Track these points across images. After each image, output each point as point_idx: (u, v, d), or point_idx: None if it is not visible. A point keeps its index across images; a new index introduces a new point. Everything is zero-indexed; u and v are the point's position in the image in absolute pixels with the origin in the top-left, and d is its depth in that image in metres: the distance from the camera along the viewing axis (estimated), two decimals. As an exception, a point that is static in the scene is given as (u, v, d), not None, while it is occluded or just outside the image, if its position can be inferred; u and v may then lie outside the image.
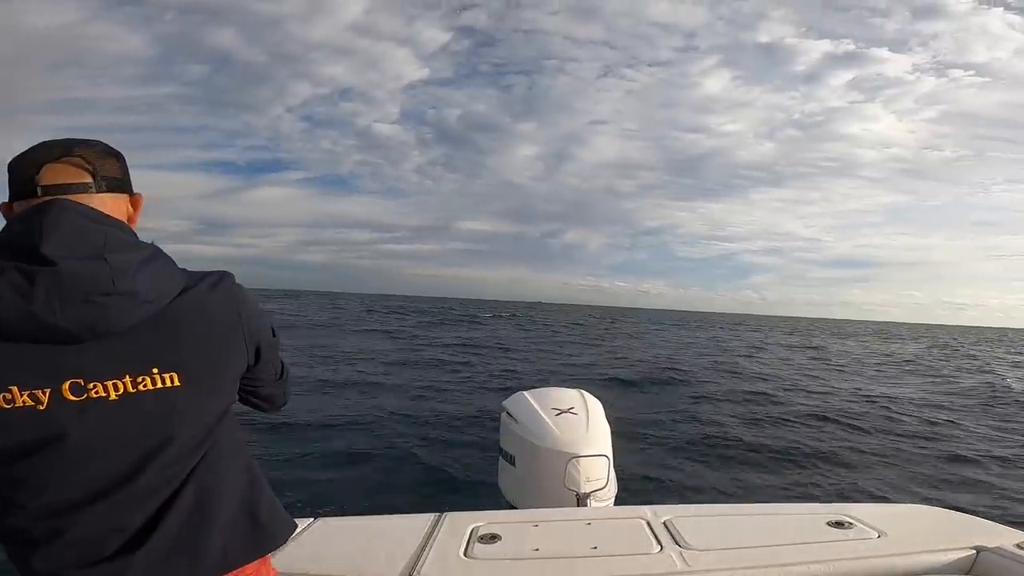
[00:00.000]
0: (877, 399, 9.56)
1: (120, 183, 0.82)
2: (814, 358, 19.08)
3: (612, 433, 2.33)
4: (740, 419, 7.25)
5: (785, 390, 10.55)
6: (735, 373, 12.85)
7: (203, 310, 0.80)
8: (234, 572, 0.81)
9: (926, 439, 6.75)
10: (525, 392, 2.51)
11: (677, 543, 1.36)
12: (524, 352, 15.99)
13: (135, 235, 0.80)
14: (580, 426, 2.26)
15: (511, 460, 2.34)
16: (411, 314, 37.95)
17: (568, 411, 2.33)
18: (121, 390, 0.71)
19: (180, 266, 0.82)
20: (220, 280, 0.83)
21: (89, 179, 0.78)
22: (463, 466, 4.94)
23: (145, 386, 0.73)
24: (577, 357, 15.40)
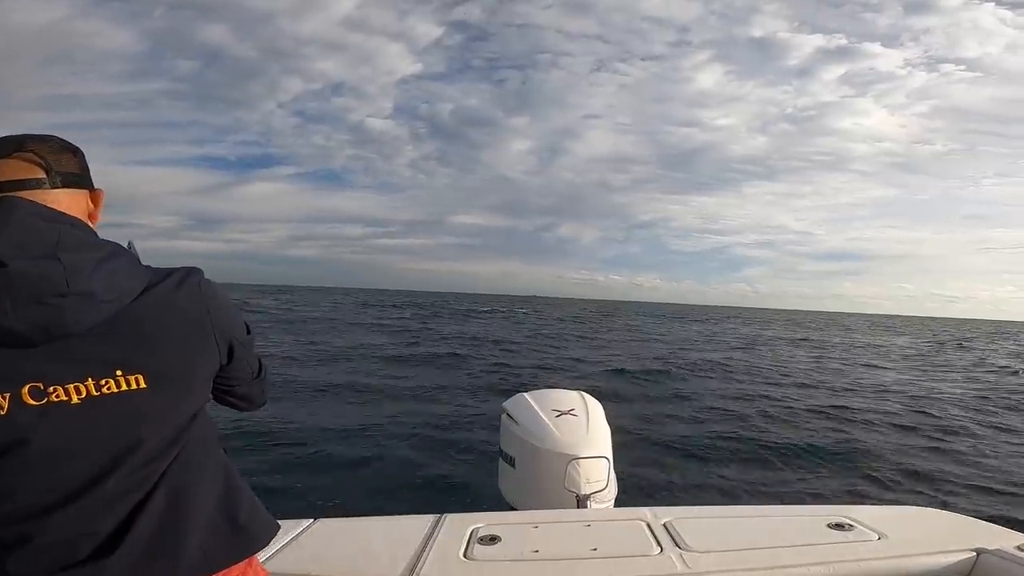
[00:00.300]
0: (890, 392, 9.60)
1: (77, 179, 0.80)
2: (823, 355, 18.91)
3: (612, 435, 2.33)
4: (744, 417, 7.23)
5: (793, 385, 10.50)
6: (737, 369, 12.78)
7: (168, 308, 0.77)
8: (218, 575, 0.80)
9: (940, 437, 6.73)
10: (525, 394, 2.52)
11: (677, 545, 1.36)
12: (523, 349, 15.92)
13: (94, 233, 0.78)
14: (580, 428, 2.26)
15: (511, 461, 2.35)
16: (406, 308, 37.98)
17: (568, 413, 2.33)
18: (84, 393, 0.69)
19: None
20: (186, 276, 0.80)
21: (42, 174, 0.75)
22: (463, 467, 4.94)
23: (109, 389, 0.71)
24: (576, 352, 15.34)
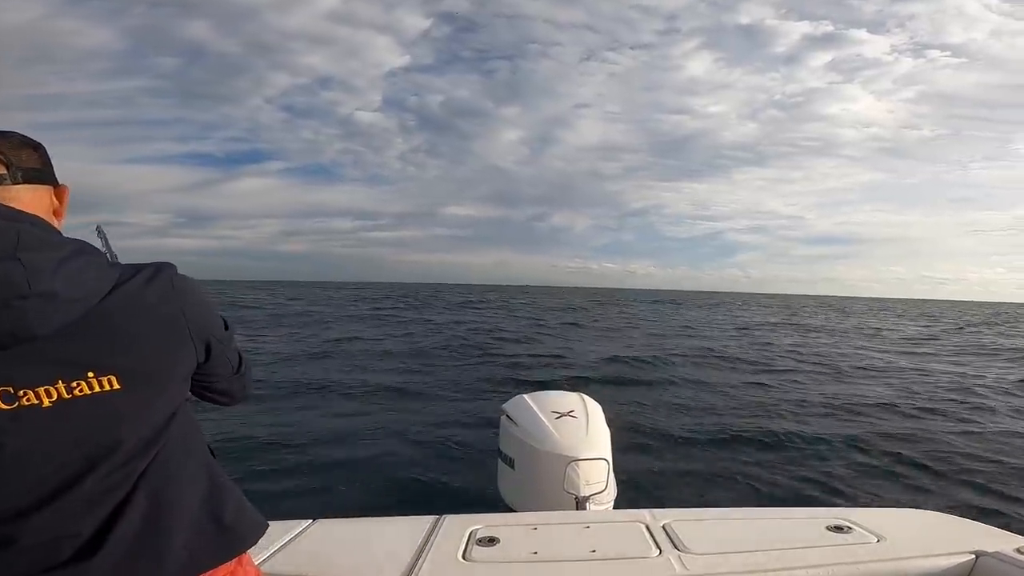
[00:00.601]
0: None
1: (40, 174, 0.78)
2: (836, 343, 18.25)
3: (612, 436, 2.33)
4: (748, 413, 7.20)
5: (819, 378, 10.20)
6: (745, 360, 12.53)
7: (140, 307, 0.75)
8: (205, 574, 0.80)
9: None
10: (525, 395, 2.52)
11: (676, 547, 1.36)
12: (518, 340, 15.80)
13: (56, 231, 0.76)
14: (580, 429, 2.26)
15: (510, 463, 2.35)
16: (399, 301, 37.85)
17: (568, 414, 2.33)
18: (55, 396, 0.68)
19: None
20: (158, 272, 0.78)
21: (3, 170, 0.74)
22: (462, 468, 4.93)
23: (81, 391, 0.69)
24: (571, 344, 15.11)
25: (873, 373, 11.07)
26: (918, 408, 7.77)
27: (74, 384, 0.69)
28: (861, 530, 1.43)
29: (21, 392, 0.67)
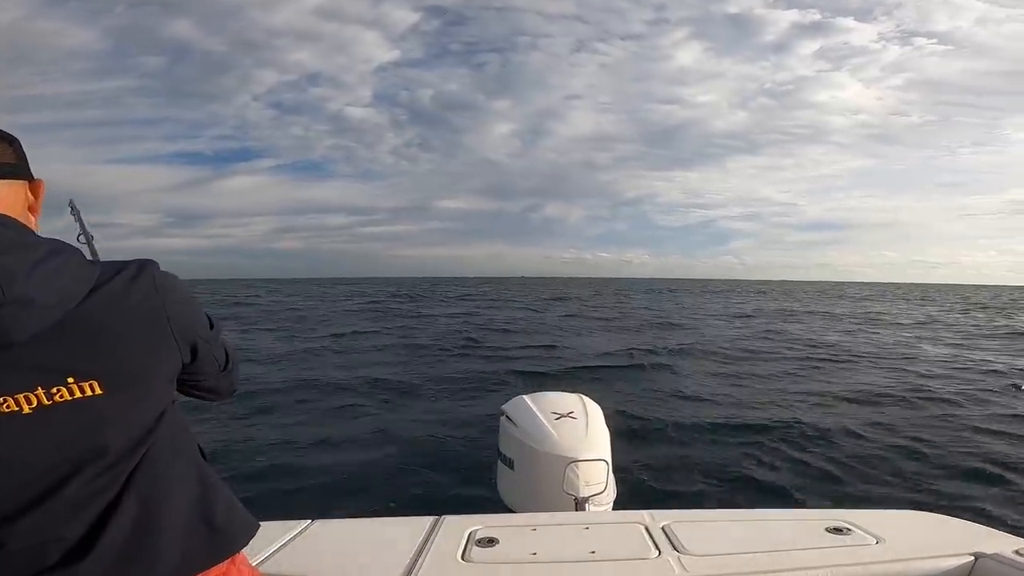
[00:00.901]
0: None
1: (14, 169, 0.75)
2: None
3: (611, 437, 2.33)
4: (753, 410, 7.18)
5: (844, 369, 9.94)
6: (760, 350, 12.36)
7: (121, 308, 0.72)
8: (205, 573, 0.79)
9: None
10: (524, 396, 2.52)
11: (675, 548, 1.36)
12: (515, 334, 15.69)
13: (29, 231, 0.74)
14: (579, 430, 2.26)
15: (510, 464, 2.35)
16: (395, 295, 37.69)
17: (567, 415, 2.33)
18: (35, 403, 0.66)
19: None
20: (140, 272, 0.75)
21: None
22: (461, 469, 4.93)
23: (62, 396, 0.67)
24: (568, 338, 15.01)
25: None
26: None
27: (54, 390, 0.67)
28: (860, 531, 1.43)
29: (0, 399, 0.65)
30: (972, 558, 1.30)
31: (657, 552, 1.34)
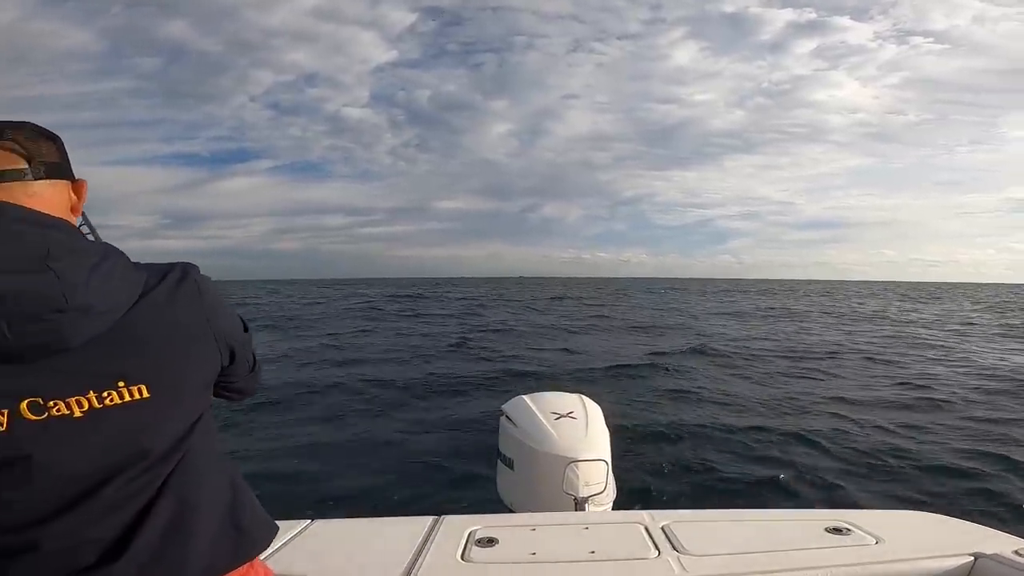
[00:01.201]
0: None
1: (59, 168, 0.75)
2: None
3: (611, 437, 2.33)
4: (760, 406, 7.16)
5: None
6: (777, 351, 12.15)
7: (167, 315, 0.74)
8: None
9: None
10: (524, 396, 2.52)
11: (675, 548, 1.36)
12: (515, 335, 15.62)
13: (80, 235, 0.75)
14: (579, 430, 2.26)
15: (509, 464, 2.35)
16: (395, 297, 37.64)
17: (567, 415, 2.33)
18: (86, 407, 0.67)
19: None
20: (183, 278, 0.77)
21: (24, 165, 0.70)
22: (461, 469, 4.93)
23: (112, 400, 0.69)
24: (568, 341, 14.90)
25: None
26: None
27: (105, 394, 0.68)
28: (860, 532, 1.43)
29: (51, 403, 0.66)
30: (972, 558, 1.30)
31: (657, 552, 1.34)
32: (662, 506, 1.63)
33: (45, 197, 0.72)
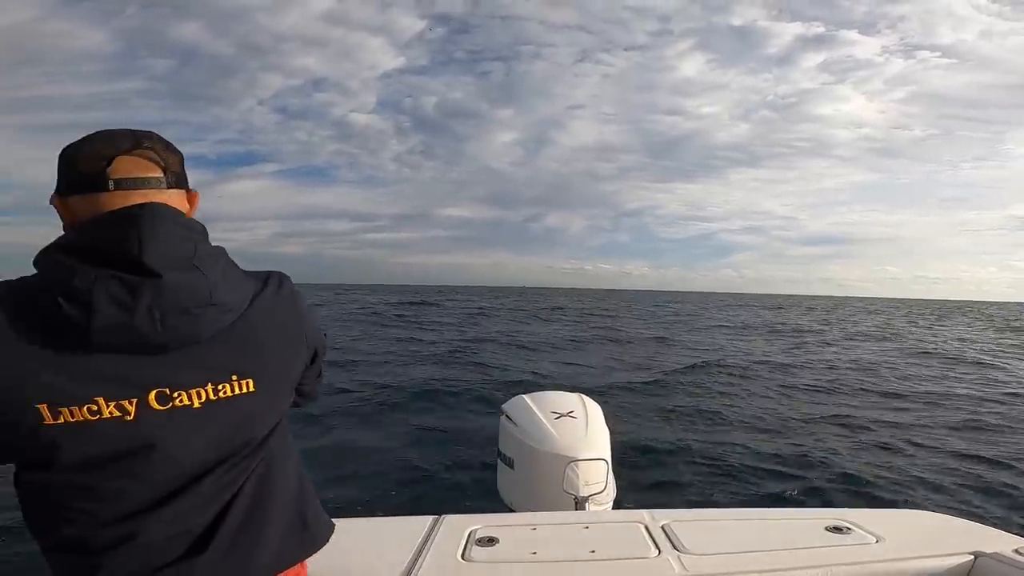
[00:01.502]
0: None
1: (182, 179, 0.80)
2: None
3: (611, 437, 2.33)
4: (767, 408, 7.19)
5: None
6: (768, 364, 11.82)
7: (272, 316, 0.81)
8: (282, 573, 0.82)
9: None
10: (524, 396, 2.52)
11: (675, 547, 1.36)
12: (519, 343, 15.64)
13: (208, 239, 0.79)
14: (579, 430, 2.26)
15: (509, 463, 2.35)
16: (398, 303, 37.68)
17: (567, 415, 2.33)
18: (204, 398, 0.72)
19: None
20: (282, 284, 0.84)
21: (160, 174, 0.75)
22: (461, 469, 4.93)
23: (224, 393, 0.74)
24: (570, 353, 14.92)
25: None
26: None
27: (220, 387, 0.73)
28: (860, 530, 1.43)
29: (176, 394, 0.70)
30: (972, 557, 1.30)
31: (657, 551, 1.34)
32: (662, 505, 1.63)
33: (174, 204, 0.76)
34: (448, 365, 10.87)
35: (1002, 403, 8.55)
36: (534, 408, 2.37)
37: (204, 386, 0.72)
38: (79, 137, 0.75)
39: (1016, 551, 1.29)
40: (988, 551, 1.30)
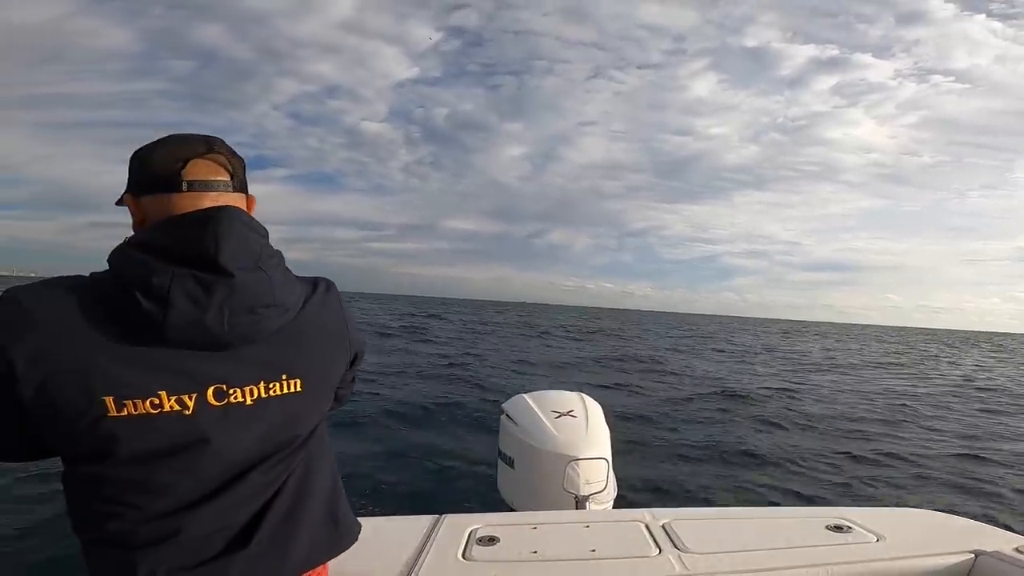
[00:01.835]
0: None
1: (244, 183, 0.83)
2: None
3: (611, 436, 2.33)
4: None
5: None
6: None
7: (320, 319, 0.83)
8: (312, 571, 0.82)
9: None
10: (524, 395, 2.51)
11: (676, 546, 1.36)
12: (516, 357, 15.73)
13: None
14: (579, 429, 2.26)
15: (510, 462, 2.34)
16: (402, 314, 37.68)
17: (568, 414, 2.33)
18: (256, 395, 0.74)
19: None
20: (329, 289, 0.87)
21: (228, 177, 0.78)
22: (462, 468, 4.93)
23: (274, 392, 0.76)
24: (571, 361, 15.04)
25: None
26: None
27: (271, 385, 0.75)
28: (861, 529, 1.43)
29: (231, 390, 0.72)
30: (972, 556, 1.30)
31: (657, 550, 1.34)
32: (663, 504, 1.63)
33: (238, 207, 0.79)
34: (448, 380, 10.79)
35: None
36: (534, 407, 2.37)
37: (257, 384, 0.74)
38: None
39: (1017, 550, 1.29)
40: (989, 550, 1.30)
